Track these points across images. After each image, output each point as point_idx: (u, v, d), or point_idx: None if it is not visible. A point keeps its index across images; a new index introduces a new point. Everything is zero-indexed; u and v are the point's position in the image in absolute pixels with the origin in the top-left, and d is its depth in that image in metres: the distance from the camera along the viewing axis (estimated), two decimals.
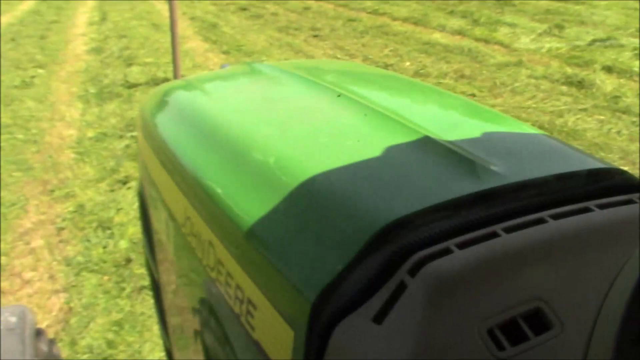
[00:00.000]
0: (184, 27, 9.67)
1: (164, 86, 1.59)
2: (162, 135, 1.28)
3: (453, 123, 1.09)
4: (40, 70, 7.24)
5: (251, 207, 0.86)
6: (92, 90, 6.32)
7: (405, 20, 9.29)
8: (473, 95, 5.59)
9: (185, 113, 1.30)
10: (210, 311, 0.96)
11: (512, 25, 8.40)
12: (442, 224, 0.68)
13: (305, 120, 1.12)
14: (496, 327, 0.57)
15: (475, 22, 8.66)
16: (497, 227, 0.66)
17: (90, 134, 4.98)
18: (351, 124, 1.05)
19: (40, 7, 13.02)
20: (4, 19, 11.51)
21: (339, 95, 1.18)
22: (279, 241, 0.79)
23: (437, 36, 8.13)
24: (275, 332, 0.73)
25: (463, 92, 5.57)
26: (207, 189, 0.98)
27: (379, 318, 0.60)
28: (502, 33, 7.99)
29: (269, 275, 0.76)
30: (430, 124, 0.98)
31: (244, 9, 11.15)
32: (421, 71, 6.49)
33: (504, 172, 0.78)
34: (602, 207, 0.70)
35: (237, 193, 0.92)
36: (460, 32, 8.23)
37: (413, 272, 0.61)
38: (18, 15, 12.09)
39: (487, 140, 0.93)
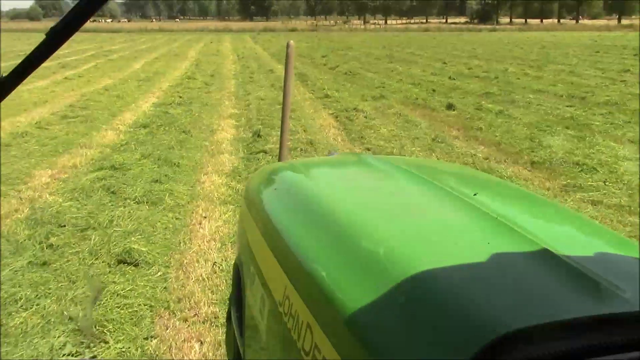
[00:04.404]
0: None
1: (271, 166, 1.76)
2: (267, 212, 1.32)
3: (573, 239, 1.08)
4: None
5: (356, 294, 0.84)
6: None
7: None
8: None
9: (293, 194, 1.36)
10: None
11: None
12: (560, 344, 0.63)
13: (417, 216, 1.14)
14: None
15: None
16: (622, 357, 0.61)
17: None
18: (465, 226, 1.05)
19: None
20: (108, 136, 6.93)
21: (475, 194, 1.18)
22: (384, 334, 0.75)
23: None
24: None
25: None
26: (311, 271, 0.97)
27: None
28: None
29: None
30: (548, 237, 0.95)
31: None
32: None
33: (631, 298, 0.72)
34: None
35: (342, 278, 0.91)
36: None
37: None
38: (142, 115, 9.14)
39: (611, 262, 0.90)
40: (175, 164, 6.40)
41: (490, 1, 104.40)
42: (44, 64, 0.78)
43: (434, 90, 12.68)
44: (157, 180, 5.66)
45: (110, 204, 4.94)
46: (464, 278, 0.83)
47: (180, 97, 11.70)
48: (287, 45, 3.25)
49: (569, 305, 0.72)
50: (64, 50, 26.00)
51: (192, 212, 4.92)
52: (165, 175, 5.87)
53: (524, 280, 0.81)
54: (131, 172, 5.95)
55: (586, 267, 0.82)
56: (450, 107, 10.24)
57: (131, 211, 4.73)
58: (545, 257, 0.86)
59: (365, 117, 9.41)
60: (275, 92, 12.00)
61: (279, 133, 8.33)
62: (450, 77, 15.20)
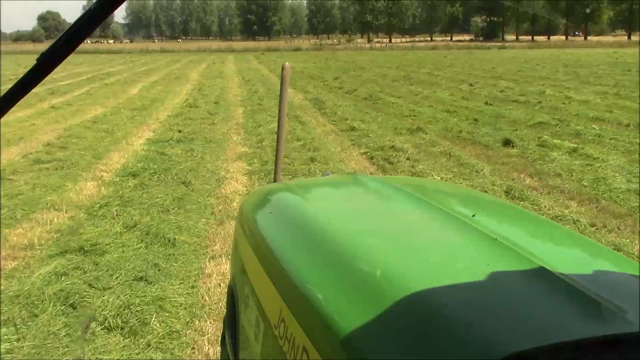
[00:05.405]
0: None
1: (266, 187, 1.68)
2: (261, 234, 1.29)
3: (573, 259, 1.04)
4: None
5: (353, 317, 0.82)
6: None
7: None
8: None
9: (288, 215, 1.33)
10: None
11: None
12: None
13: (413, 236, 1.13)
14: None
15: None
16: None
17: None
18: (462, 246, 1.03)
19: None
20: (86, 190, 5.25)
21: (473, 215, 1.16)
22: (381, 357, 0.73)
23: None
24: None
25: None
26: (307, 293, 0.94)
27: None
28: None
29: None
30: (547, 256, 0.93)
31: None
32: None
33: (632, 318, 0.70)
34: None
35: (338, 301, 0.89)
36: None
37: None
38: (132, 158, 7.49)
39: (612, 282, 0.88)
40: (169, 241, 4.60)
41: (495, 18, 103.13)
42: (33, 90, 0.73)
43: (475, 120, 10.88)
44: (142, 278, 3.85)
45: (64, 335, 3.11)
46: (462, 299, 0.80)
47: (180, 131, 9.94)
48: (282, 68, 3.17)
49: (569, 326, 0.70)
50: (59, 74, 24.38)
51: (193, 349, 3.08)
52: (155, 265, 4.07)
53: (524, 301, 0.80)
54: (106, 260, 4.15)
55: (587, 287, 0.80)
56: (507, 143, 8.42)
57: (94, 354, 2.90)
58: (545, 277, 0.84)
59: (408, 158, 7.60)
60: (291, 123, 10.21)
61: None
62: (486, 103, 13.41)
